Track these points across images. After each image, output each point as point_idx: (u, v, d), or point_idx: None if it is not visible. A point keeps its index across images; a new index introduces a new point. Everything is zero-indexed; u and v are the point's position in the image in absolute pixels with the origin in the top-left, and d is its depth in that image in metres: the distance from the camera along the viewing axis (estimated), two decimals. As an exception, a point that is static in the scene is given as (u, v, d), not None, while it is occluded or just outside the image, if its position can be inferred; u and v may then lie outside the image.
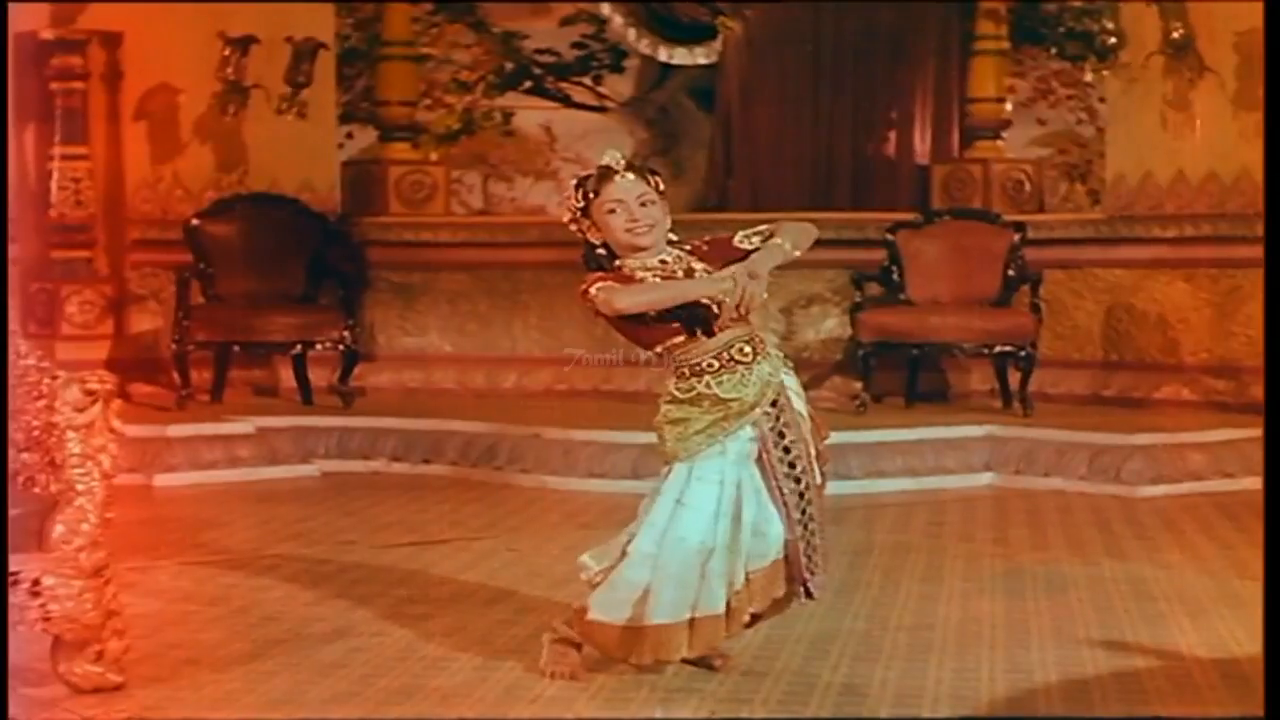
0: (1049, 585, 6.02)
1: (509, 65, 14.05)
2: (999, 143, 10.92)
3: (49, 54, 9.49)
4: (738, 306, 4.44)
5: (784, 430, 4.59)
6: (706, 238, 4.68)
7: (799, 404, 4.65)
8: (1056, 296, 9.76)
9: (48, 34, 9.49)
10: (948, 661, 4.95)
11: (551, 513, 7.64)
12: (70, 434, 4.48)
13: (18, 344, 4.65)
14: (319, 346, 9.54)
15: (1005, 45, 10.95)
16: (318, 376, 9.65)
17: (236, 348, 9.49)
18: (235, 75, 10.09)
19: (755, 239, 4.59)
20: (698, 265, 4.59)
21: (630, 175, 4.60)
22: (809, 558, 4.63)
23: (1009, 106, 11.42)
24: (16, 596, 4.41)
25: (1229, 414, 8.96)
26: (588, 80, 14.21)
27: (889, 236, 9.60)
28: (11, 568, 4.39)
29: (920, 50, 11.65)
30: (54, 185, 9.49)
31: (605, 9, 13.23)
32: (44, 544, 4.45)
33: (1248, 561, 6.24)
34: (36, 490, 4.55)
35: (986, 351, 9.29)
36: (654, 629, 4.54)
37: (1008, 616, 5.52)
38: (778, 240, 4.54)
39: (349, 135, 12.20)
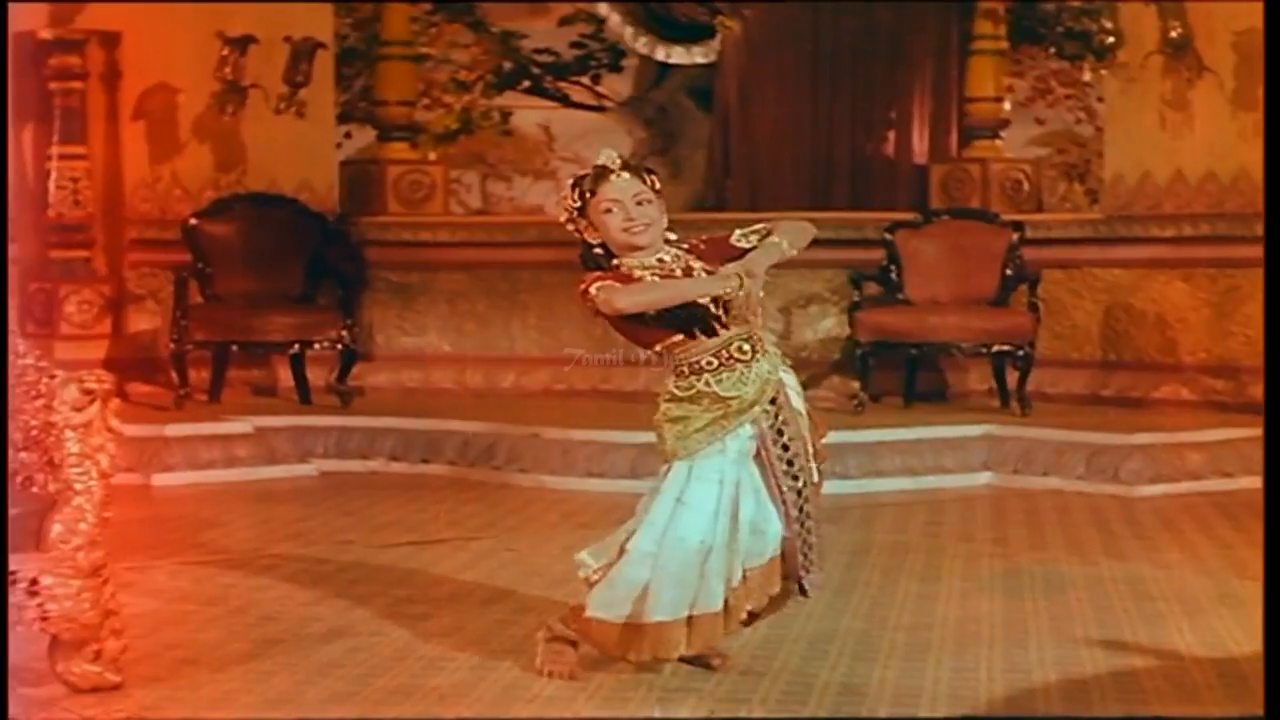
0: (1047, 585, 6.01)
1: (507, 65, 14.06)
2: (997, 142, 10.92)
3: (48, 54, 9.49)
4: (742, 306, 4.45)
5: (783, 428, 4.59)
6: (704, 236, 4.68)
7: (797, 402, 4.65)
8: (1055, 296, 9.75)
9: (46, 34, 9.48)
10: (946, 661, 4.95)
11: (550, 512, 7.63)
12: (68, 433, 4.48)
13: (16, 343, 4.65)
14: (317, 346, 9.53)
15: (1004, 45, 10.95)
16: (316, 376, 9.64)
17: (235, 347, 9.48)
18: (234, 75, 10.08)
19: (753, 237, 4.59)
20: (696, 264, 4.58)
21: (626, 174, 4.59)
22: (805, 555, 4.63)
23: (1007, 106, 11.42)
24: (15, 596, 4.40)
25: (1227, 414, 8.95)
26: (586, 80, 14.23)
27: (887, 236, 9.59)
28: (10, 567, 4.38)
29: (919, 50, 11.65)
30: (52, 185, 9.48)
31: (603, 8, 13.23)
32: (42, 543, 4.44)
33: (1246, 561, 6.24)
34: (35, 490, 4.54)
35: (985, 351, 9.28)
36: (653, 627, 4.54)
37: (1006, 616, 5.52)
38: (775, 239, 4.55)
39: (347, 135, 12.21)
